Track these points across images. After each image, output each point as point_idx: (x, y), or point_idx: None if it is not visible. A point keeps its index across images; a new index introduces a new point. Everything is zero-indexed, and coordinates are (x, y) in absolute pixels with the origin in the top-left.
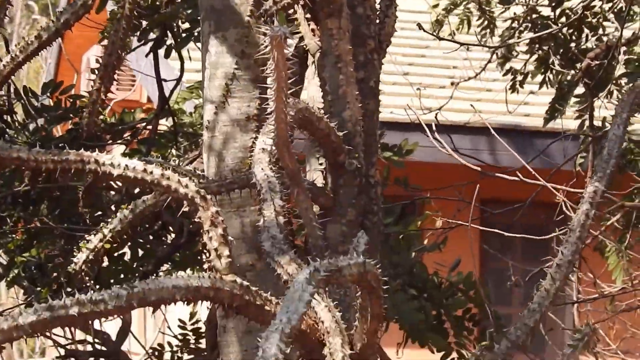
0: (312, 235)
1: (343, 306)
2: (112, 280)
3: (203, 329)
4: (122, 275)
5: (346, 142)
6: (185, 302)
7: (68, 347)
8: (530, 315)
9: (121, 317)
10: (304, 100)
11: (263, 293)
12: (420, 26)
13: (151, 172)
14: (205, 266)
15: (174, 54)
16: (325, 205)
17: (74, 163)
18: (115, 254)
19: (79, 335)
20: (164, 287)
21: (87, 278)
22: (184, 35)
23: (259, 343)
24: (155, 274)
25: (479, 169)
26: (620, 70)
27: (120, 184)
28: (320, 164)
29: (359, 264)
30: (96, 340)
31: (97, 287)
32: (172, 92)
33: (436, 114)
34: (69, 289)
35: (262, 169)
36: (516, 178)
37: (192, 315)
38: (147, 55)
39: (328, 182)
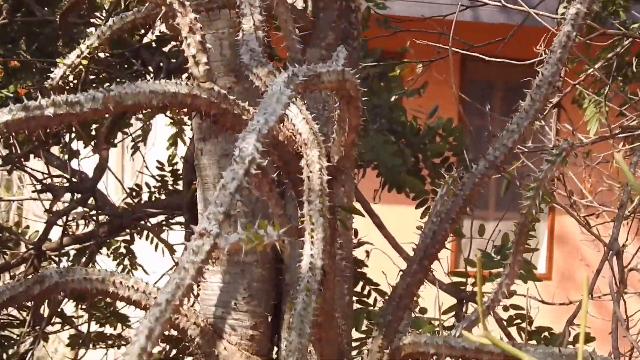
0: (291, 48)
1: (321, 120)
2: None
3: (180, 170)
4: None
5: None
6: (161, 108)
7: (44, 181)
8: (509, 136)
9: (98, 153)
10: None
11: (241, 102)
12: None
13: None
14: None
15: None
16: (305, 29)
17: None
18: None
19: (56, 172)
20: (141, 92)
21: None
22: None
23: (236, 143)
24: (133, 113)
25: None
26: None
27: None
28: None
29: (338, 72)
30: (74, 179)
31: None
32: None
33: None
34: None
35: None
36: (497, 4)
37: (171, 157)
38: None
39: (308, 5)
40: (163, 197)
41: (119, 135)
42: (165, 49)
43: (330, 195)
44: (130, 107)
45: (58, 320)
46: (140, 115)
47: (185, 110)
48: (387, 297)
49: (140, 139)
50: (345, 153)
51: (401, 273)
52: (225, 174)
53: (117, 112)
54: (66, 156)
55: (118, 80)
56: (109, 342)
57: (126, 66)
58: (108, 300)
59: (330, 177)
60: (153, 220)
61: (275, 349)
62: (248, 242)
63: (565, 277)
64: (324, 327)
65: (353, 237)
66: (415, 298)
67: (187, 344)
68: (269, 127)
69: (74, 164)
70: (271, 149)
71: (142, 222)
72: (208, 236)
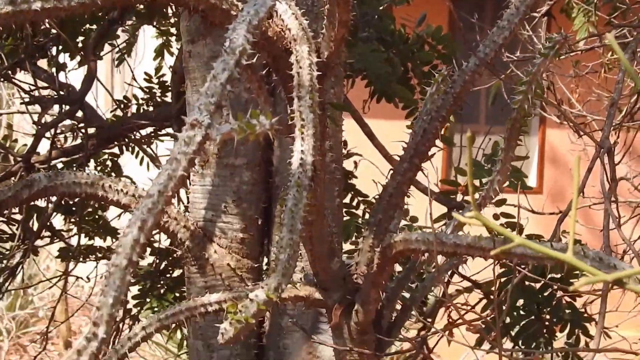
0: None
1: (310, 16)
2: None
3: (168, 82)
4: (87, 25)
5: None
6: (150, 4)
7: (32, 93)
8: (499, 32)
9: (87, 64)
10: None
11: None
12: None
13: None
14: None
15: None
16: None
17: None
18: None
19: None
20: None
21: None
22: None
23: (227, 34)
24: (120, 22)
25: None
26: None
27: None
28: None
29: None
30: (61, 92)
31: (63, 36)
32: None
33: None
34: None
35: None
36: None
37: (158, 69)
38: None
39: None
40: (151, 109)
41: (107, 47)
42: None
43: (320, 91)
44: (119, 1)
45: (48, 234)
46: (127, 27)
47: (173, 5)
48: (377, 196)
49: (125, 50)
50: (335, 49)
51: (391, 172)
52: (216, 64)
53: (105, 6)
54: (53, 69)
55: None
56: (99, 254)
57: None
58: (98, 214)
59: (320, 73)
60: (142, 132)
61: (266, 260)
62: (240, 131)
63: (555, 191)
64: (315, 225)
65: (343, 146)
66: (405, 197)
67: (176, 249)
68: (259, 18)
69: (61, 77)
70: (262, 41)
71: (131, 135)
72: (199, 127)
